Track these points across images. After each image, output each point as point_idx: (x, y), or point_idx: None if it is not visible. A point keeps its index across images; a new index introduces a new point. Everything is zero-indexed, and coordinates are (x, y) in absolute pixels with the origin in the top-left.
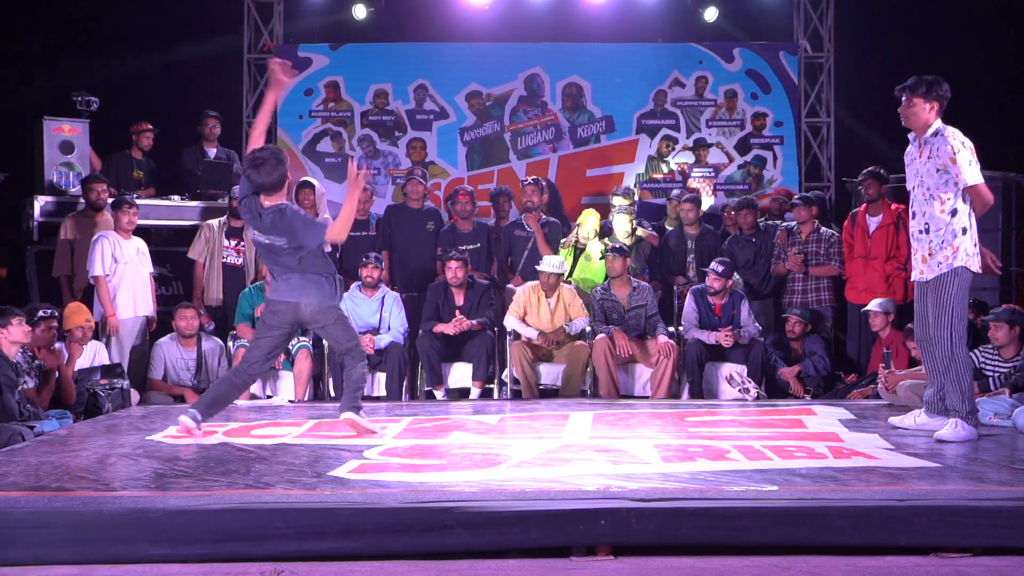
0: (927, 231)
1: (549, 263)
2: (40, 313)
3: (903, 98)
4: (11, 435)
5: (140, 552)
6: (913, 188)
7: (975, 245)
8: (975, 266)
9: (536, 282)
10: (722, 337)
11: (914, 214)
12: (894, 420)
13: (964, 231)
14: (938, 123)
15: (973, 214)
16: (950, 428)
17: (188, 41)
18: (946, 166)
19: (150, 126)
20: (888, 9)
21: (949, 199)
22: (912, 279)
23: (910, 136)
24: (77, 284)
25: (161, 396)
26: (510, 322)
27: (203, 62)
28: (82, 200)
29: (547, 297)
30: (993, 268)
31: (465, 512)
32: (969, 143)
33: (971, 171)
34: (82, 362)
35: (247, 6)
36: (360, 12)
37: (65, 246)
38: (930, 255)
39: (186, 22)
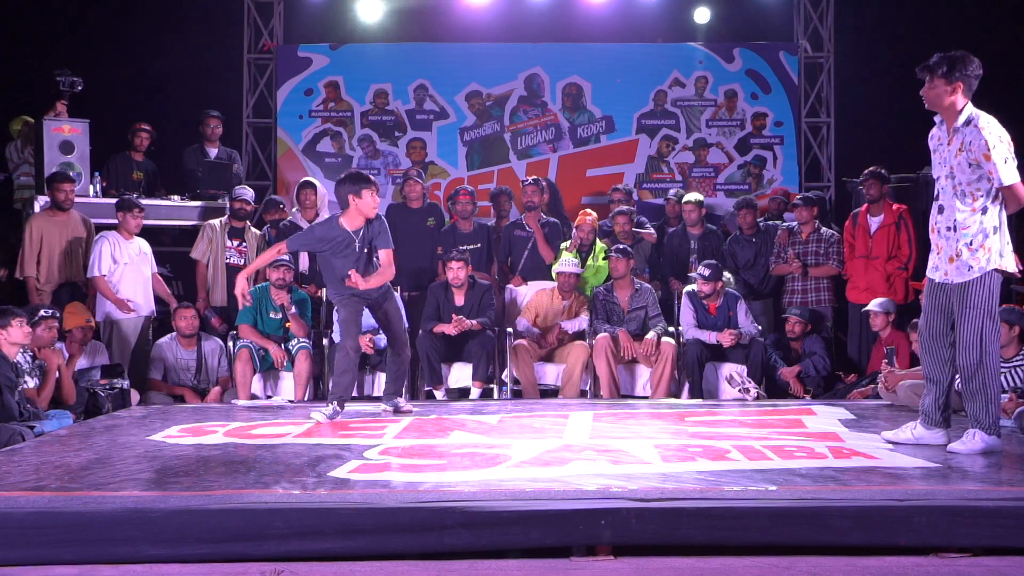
0: (955, 229)
1: (567, 263)
2: (41, 313)
3: (925, 79)
4: (11, 435)
5: (140, 552)
6: (940, 177)
7: (1008, 244)
8: (1010, 266)
9: (549, 286)
10: (724, 337)
11: (941, 208)
12: (888, 435)
13: (995, 230)
14: (969, 109)
15: (1004, 211)
16: (966, 439)
17: (188, 41)
18: (979, 161)
19: (147, 127)
20: (888, 9)
21: (981, 197)
22: (928, 275)
23: (936, 119)
24: (46, 285)
25: (161, 396)
26: (522, 324)
27: (203, 62)
28: (46, 199)
29: (564, 299)
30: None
31: (465, 512)
32: (1006, 136)
33: (1007, 169)
34: (82, 362)
35: (247, 6)
36: (373, 13)
37: (34, 247)
38: (958, 256)
39: (186, 22)
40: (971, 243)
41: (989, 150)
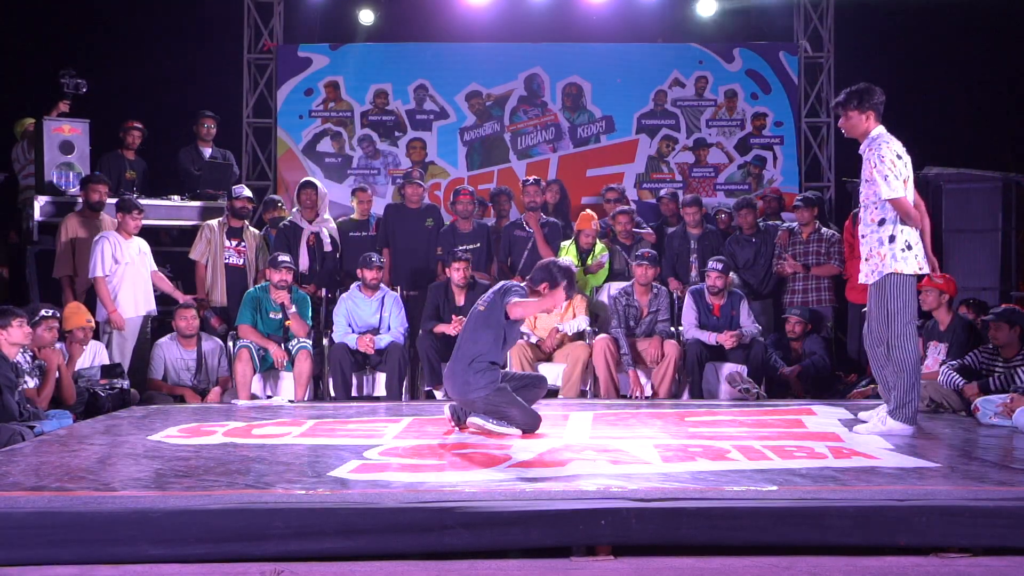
0: (864, 237)
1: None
2: (42, 313)
3: (840, 115)
4: (11, 435)
5: (140, 552)
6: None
7: (908, 248)
8: (908, 269)
9: None
10: (724, 339)
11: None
12: (859, 428)
13: (892, 239)
14: (876, 131)
15: (901, 223)
16: (875, 422)
17: (188, 41)
18: (870, 178)
19: (139, 125)
20: (888, 9)
21: (876, 210)
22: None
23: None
24: (79, 285)
25: (161, 396)
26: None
27: (203, 62)
28: (80, 200)
29: None
30: (932, 277)
31: (465, 512)
32: (894, 154)
33: (886, 185)
34: (82, 362)
35: (247, 6)
36: (367, 17)
37: (67, 247)
38: (865, 261)
39: (186, 22)
40: (870, 250)
41: (873, 167)
